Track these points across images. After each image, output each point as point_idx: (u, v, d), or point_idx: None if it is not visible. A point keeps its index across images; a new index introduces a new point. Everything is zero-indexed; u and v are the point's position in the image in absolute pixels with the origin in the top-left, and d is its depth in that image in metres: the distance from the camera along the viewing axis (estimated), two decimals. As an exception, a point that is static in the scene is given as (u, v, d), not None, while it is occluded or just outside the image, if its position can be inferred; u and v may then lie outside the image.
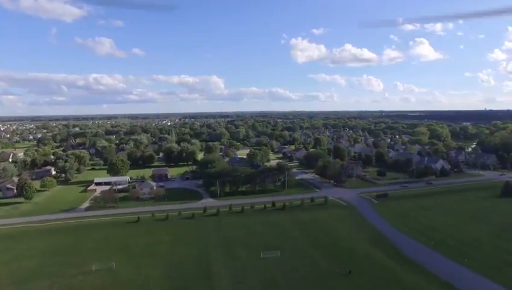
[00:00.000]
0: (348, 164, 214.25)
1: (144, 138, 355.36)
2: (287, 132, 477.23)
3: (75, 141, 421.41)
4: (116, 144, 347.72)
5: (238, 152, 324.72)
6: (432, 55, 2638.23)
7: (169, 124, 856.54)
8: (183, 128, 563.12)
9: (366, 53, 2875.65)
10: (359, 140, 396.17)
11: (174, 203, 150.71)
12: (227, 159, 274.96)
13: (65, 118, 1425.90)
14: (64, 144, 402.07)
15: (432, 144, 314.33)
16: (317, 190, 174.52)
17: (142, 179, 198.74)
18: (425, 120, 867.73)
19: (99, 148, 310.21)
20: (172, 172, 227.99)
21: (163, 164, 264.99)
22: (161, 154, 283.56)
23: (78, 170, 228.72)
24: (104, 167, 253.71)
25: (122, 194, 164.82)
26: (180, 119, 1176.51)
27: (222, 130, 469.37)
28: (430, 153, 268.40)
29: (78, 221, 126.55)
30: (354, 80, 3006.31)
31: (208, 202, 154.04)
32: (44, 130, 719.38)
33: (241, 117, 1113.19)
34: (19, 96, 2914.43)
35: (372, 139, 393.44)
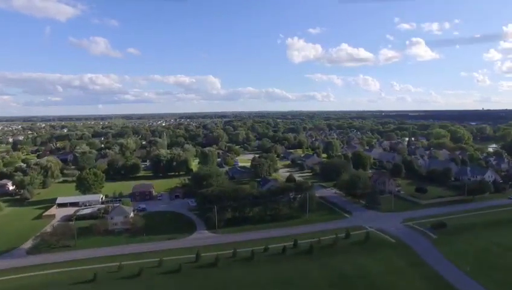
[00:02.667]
0: (378, 176, 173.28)
1: (131, 141, 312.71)
2: (291, 134, 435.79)
3: (56, 144, 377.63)
4: (98, 149, 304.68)
5: (238, 158, 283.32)
6: (428, 54, 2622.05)
7: (163, 124, 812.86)
8: (177, 130, 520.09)
9: (363, 53, 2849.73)
10: (373, 143, 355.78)
11: (156, 240, 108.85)
12: (226, 168, 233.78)
13: (60, 119, 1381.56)
14: (43, 148, 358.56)
15: (461, 149, 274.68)
16: (346, 215, 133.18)
17: (120, 198, 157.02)
18: (431, 120, 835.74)
19: (77, 155, 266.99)
20: (160, 186, 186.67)
21: (151, 174, 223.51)
22: (149, 162, 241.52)
23: (44, 184, 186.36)
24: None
25: (89, 222, 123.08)
26: (175, 120, 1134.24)
27: (219, 132, 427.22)
28: (465, 161, 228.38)
29: (4, 279, 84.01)
30: (350, 79, 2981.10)
31: (203, 237, 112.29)
32: (30, 132, 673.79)
33: (238, 117, 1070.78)
34: (13, 96, 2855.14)
35: (388, 143, 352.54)
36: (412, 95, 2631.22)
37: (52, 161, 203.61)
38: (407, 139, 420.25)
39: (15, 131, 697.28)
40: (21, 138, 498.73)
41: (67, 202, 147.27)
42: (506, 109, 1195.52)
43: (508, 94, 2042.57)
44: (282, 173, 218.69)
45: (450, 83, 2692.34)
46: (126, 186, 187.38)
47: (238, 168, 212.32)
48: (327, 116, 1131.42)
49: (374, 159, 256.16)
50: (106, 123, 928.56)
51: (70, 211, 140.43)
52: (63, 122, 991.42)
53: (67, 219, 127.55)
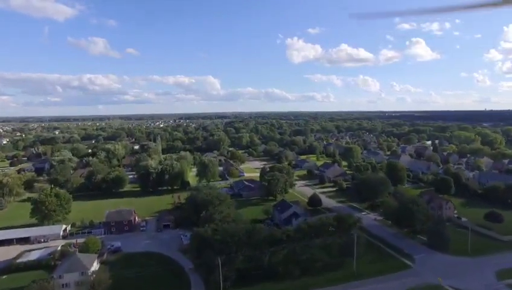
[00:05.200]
0: (429, 197, 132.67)
1: (119, 147, 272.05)
2: (299, 137, 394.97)
3: (37, 149, 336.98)
4: (82, 156, 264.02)
5: (243, 166, 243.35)
6: (428, 55, 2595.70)
7: (161, 125, 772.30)
8: (175, 132, 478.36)
9: (363, 53, 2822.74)
10: (394, 148, 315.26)
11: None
12: (230, 180, 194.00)
13: (59, 119, 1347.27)
14: (22, 153, 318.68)
15: (504, 156, 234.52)
16: (407, 262, 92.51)
17: (90, 229, 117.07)
18: (440, 121, 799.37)
19: (54, 164, 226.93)
20: (147, 207, 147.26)
21: (138, 188, 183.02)
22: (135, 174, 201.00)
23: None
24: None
25: (36, 275, 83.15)
26: (174, 121, 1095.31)
27: (221, 135, 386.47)
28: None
29: None
30: (350, 80, 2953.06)
31: (200, 311, 71.94)
32: (18, 134, 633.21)
33: (239, 118, 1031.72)
34: (12, 96, 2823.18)
35: (413, 148, 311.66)
36: (412, 95, 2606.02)
37: (12, 176, 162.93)
38: (428, 142, 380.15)
39: (2, 133, 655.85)
40: (5, 141, 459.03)
41: (13, 238, 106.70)
42: (509, 110, 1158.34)
43: (508, 95, 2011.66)
44: (300, 188, 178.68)
45: (450, 83, 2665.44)
46: (105, 207, 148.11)
47: (246, 182, 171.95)
48: (330, 116, 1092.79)
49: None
50: (103, 124, 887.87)
51: (16, 250, 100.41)
52: (56, 123, 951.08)
53: (3, 269, 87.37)
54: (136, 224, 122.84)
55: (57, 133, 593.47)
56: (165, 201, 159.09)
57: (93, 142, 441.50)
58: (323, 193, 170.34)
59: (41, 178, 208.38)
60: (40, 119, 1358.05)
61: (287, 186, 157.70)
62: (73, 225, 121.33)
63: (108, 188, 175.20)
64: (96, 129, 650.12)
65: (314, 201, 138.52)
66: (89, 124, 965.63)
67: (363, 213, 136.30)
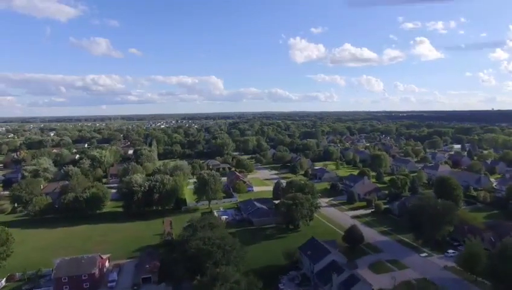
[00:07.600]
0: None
1: (107, 153, 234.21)
2: (311, 140, 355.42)
3: (18, 154, 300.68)
4: (65, 164, 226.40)
5: (250, 177, 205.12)
6: (432, 54, 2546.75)
7: (162, 126, 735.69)
8: (174, 135, 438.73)
9: (366, 52, 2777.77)
10: (421, 154, 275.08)
11: None
12: (236, 198, 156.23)
13: (62, 120, 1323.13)
14: (1, 159, 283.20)
15: None
16: None
17: (36, 284, 79.85)
18: (454, 122, 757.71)
19: (26, 174, 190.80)
20: (126, 241, 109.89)
21: (121, 209, 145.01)
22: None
23: None
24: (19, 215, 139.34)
25: None
26: (177, 121, 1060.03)
27: (224, 138, 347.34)
28: None
29: None
30: (353, 80, 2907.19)
31: None
32: (11, 135, 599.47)
33: (243, 118, 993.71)
34: (17, 97, 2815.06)
35: (446, 155, 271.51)
36: (416, 95, 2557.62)
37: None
38: (456, 147, 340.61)
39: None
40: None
41: None
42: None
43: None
44: (325, 210, 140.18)
45: (454, 83, 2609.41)
46: (72, 239, 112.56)
47: (256, 203, 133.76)
48: (336, 116, 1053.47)
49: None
50: (103, 125, 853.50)
51: None
52: (54, 124, 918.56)
53: None
54: (102, 276, 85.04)
55: (52, 134, 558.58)
56: (152, 229, 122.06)
57: (86, 145, 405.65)
58: (355, 216, 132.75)
59: (7, 193, 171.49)
60: (44, 120, 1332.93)
61: (312, 212, 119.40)
62: (9, 279, 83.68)
63: (82, 210, 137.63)
64: (94, 130, 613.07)
65: (353, 237, 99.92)
66: (89, 124, 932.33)
67: (422, 255, 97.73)
